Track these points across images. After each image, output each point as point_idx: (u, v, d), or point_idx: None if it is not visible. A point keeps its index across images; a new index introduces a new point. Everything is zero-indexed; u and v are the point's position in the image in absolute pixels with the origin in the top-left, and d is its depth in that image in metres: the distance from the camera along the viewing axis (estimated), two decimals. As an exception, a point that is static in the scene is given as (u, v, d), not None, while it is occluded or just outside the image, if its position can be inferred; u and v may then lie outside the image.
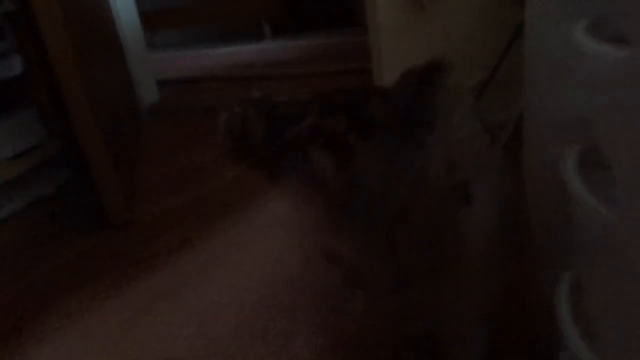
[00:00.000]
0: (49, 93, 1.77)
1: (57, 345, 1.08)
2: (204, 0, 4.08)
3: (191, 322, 1.07)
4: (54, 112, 1.80)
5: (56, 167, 1.85)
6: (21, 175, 1.69)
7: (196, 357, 0.98)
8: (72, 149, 1.85)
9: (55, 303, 1.22)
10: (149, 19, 3.17)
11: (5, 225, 1.66)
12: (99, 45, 1.95)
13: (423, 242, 0.64)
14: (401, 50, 2.07)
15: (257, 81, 2.86)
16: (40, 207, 1.77)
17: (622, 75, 0.49)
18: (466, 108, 0.68)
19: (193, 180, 1.80)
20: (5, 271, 1.46)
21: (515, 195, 0.72)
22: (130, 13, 2.53)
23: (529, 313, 0.84)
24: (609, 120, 0.52)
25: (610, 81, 0.52)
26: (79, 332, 1.11)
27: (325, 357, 0.91)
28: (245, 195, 1.59)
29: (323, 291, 0.79)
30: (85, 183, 1.83)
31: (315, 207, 0.70)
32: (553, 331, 0.64)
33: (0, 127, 1.66)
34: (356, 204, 0.65)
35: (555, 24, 0.63)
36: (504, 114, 1.66)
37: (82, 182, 1.89)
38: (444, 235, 0.64)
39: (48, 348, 1.08)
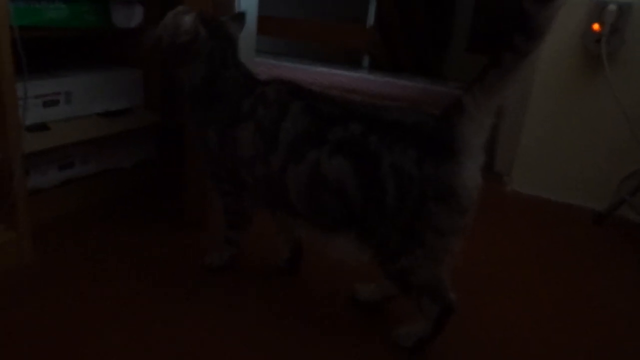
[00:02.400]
0: (157, 57, 1.55)
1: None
2: (314, 20, 4.01)
3: None
4: (158, 78, 1.57)
5: (141, 141, 1.61)
6: (103, 138, 1.45)
7: None
8: (164, 127, 1.62)
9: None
10: (261, 23, 3.04)
11: (70, 187, 1.42)
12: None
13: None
14: (556, 111, 1.79)
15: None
16: (112, 180, 1.53)
17: None
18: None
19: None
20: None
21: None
22: (250, 14, 2.35)
23: None
24: None
25: None
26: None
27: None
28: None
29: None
30: (163, 167, 1.60)
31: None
32: None
33: (98, 78, 1.44)
34: None
35: None
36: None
37: (161, 166, 1.65)
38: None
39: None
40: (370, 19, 3.96)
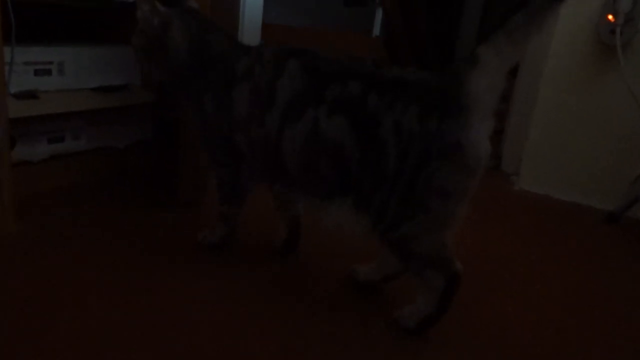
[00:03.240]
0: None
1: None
2: (319, 28, 4.00)
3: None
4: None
5: (136, 121, 1.55)
6: (95, 112, 1.39)
7: None
8: (161, 107, 1.56)
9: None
10: (264, 30, 3.04)
11: (60, 162, 1.36)
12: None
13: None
14: (565, 107, 1.73)
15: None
16: (105, 159, 1.47)
17: None
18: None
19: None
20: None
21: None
22: (255, 22, 2.32)
23: None
24: None
25: None
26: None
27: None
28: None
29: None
30: (159, 149, 1.54)
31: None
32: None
33: (93, 52, 1.39)
34: None
35: None
36: None
37: (157, 148, 1.59)
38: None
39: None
40: (376, 29, 3.95)
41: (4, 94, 1.05)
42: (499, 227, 1.49)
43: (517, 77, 1.94)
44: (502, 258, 1.29)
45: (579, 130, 1.72)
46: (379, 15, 3.96)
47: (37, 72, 1.27)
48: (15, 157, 1.25)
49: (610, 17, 1.57)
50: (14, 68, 1.19)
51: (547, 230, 1.52)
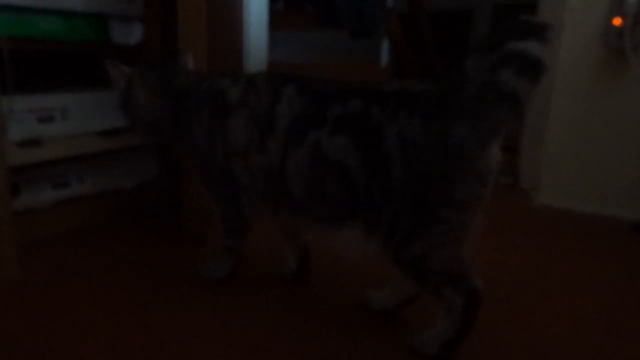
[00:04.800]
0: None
1: None
2: (325, 62, 4.04)
3: None
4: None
5: (142, 161, 1.54)
6: (100, 155, 1.39)
7: None
8: (165, 146, 1.56)
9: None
10: (270, 69, 3.07)
11: (65, 207, 1.34)
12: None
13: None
14: (580, 117, 1.68)
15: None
16: (111, 201, 1.45)
17: None
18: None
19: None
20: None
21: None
22: (261, 64, 2.34)
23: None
24: None
25: None
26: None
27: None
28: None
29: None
30: (165, 188, 1.52)
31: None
32: None
33: (96, 96, 1.39)
34: None
35: None
36: None
37: (163, 187, 1.57)
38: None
39: None
40: (384, 59, 3.97)
41: (3, 146, 1.04)
42: (521, 244, 1.42)
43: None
44: (527, 275, 1.22)
45: (596, 139, 1.66)
46: (385, 45, 3.99)
47: (40, 119, 1.27)
48: (20, 205, 1.24)
49: (616, 21, 1.53)
50: (16, 116, 1.19)
51: (571, 244, 1.44)
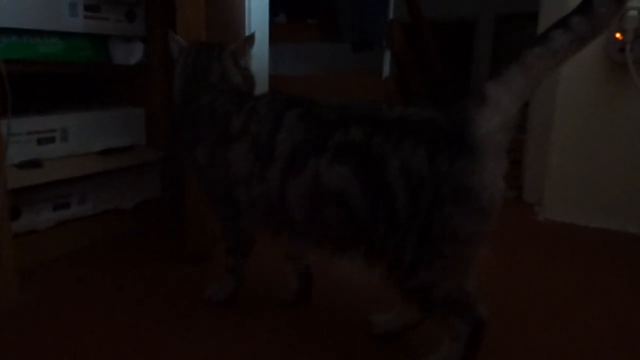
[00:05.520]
0: (162, 94, 1.51)
1: None
2: (328, 75, 4.04)
3: None
4: (162, 115, 1.52)
5: (144, 180, 1.54)
6: (101, 176, 1.39)
7: None
8: (168, 165, 1.56)
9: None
10: (272, 82, 3.07)
11: (66, 228, 1.34)
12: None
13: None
14: (583, 130, 1.67)
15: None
16: (112, 221, 1.45)
17: None
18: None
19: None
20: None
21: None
22: (261, 76, 2.34)
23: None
24: None
25: None
26: None
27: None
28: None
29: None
30: (167, 206, 1.52)
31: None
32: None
33: (96, 116, 1.40)
34: None
35: None
36: None
37: (165, 206, 1.57)
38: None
39: None
40: (386, 71, 3.97)
41: (3, 168, 1.04)
42: (527, 260, 1.41)
43: (530, 104, 1.89)
44: (534, 292, 1.21)
45: (600, 152, 1.65)
46: (387, 57, 3.99)
47: (40, 141, 1.27)
48: (20, 227, 1.23)
49: (618, 35, 1.52)
50: (16, 138, 1.19)
51: (579, 259, 1.43)
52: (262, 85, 2.32)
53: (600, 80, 1.61)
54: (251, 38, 1.09)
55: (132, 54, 1.45)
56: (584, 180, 1.68)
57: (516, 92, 0.74)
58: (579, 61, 1.62)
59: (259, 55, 2.24)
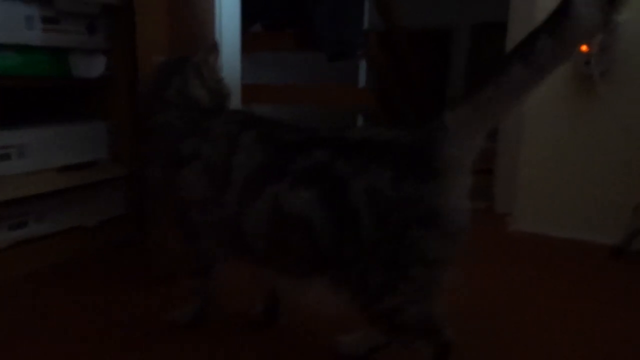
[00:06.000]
0: (127, 107, 1.47)
1: None
2: (305, 84, 4.02)
3: None
4: (127, 129, 1.48)
5: (107, 196, 1.50)
6: (60, 193, 1.34)
7: None
8: (134, 181, 1.51)
9: None
10: (245, 91, 3.04)
11: (23, 248, 1.29)
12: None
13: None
14: (553, 142, 1.67)
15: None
16: (73, 240, 1.40)
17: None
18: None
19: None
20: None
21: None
22: (233, 86, 2.31)
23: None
24: None
25: None
26: None
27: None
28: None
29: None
30: (133, 223, 1.48)
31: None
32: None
33: (56, 131, 1.35)
34: None
35: None
36: None
37: (131, 222, 1.53)
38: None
39: None
40: (362, 80, 3.97)
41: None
42: (499, 273, 1.40)
43: (500, 115, 1.89)
44: (504, 303, 1.20)
45: (570, 164, 1.65)
46: (363, 66, 4.00)
47: (-6, 158, 1.22)
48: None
49: (584, 48, 1.53)
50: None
51: (550, 272, 1.42)
52: (235, 95, 2.29)
53: (568, 92, 1.62)
54: (212, 47, 1.06)
55: (94, 67, 1.41)
56: (554, 191, 1.69)
57: (472, 127, 0.73)
58: (547, 73, 1.63)
59: (232, 64, 2.21)
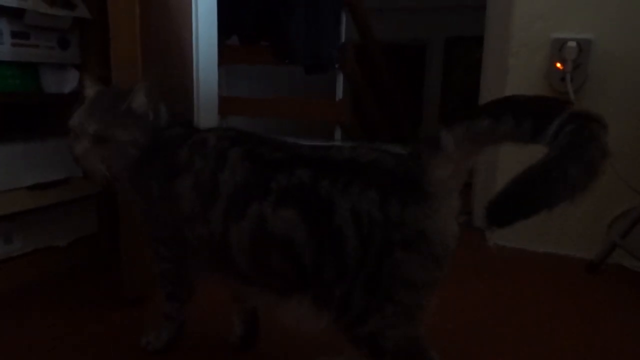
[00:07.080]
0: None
1: None
2: (282, 97, 4.01)
3: None
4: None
5: (80, 215, 1.45)
6: (32, 214, 1.29)
7: None
8: (106, 199, 1.47)
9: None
10: (223, 103, 3.01)
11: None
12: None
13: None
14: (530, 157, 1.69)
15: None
16: (43, 260, 1.35)
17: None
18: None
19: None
20: None
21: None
22: (210, 98, 2.28)
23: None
24: None
25: None
26: None
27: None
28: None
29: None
30: (105, 242, 1.43)
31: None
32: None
33: (25, 148, 1.31)
34: None
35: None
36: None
37: (103, 241, 1.48)
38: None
39: None
40: (339, 93, 3.98)
41: None
42: (479, 288, 1.40)
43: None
44: (487, 322, 1.19)
45: (546, 179, 1.67)
46: (340, 79, 4.00)
47: (-41, 178, 1.17)
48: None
49: (558, 65, 1.55)
50: None
51: (529, 286, 1.43)
52: (212, 108, 2.26)
53: (543, 108, 1.63)
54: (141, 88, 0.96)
55: (66, 82, 1.37)
56: (531, 205, 1.70)
57: (465, 150, 0.72)
58: (522, 89, 1.64)
59: (209, 77, 2.18)
